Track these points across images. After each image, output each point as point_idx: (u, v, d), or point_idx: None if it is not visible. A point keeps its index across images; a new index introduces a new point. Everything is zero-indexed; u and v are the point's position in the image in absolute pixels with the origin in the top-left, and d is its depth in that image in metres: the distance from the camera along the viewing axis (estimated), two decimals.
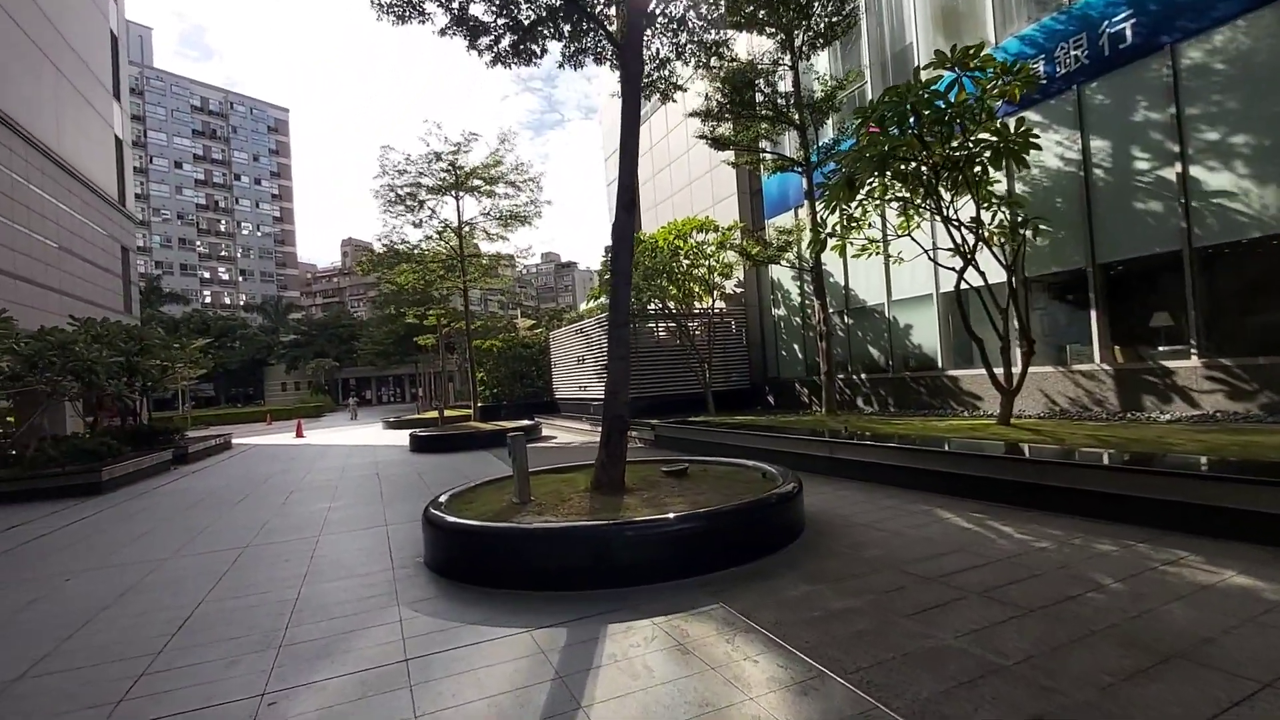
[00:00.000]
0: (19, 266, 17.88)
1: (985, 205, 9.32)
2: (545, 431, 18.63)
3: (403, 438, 20.01)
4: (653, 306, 16.41)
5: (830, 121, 12.86)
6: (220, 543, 7.07)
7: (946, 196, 9.08)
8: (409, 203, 18.24)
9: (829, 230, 9.95)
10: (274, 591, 5.04)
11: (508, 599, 4.43)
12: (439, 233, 18.92)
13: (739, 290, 18.53)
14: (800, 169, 12.35)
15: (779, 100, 11.99)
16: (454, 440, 16.37)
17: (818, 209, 10.59)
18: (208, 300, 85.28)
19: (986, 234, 9.04)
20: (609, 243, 24.48)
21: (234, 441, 23.96)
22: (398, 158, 17.66)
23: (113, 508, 10.34)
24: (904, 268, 13.12)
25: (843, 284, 14.79)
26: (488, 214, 19.08)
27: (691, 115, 13.81)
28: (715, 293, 17.65)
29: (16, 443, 13.96)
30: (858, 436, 8.54)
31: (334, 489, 10.78)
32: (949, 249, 10.00)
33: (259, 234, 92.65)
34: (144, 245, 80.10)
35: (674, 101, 10.33)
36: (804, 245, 13.43)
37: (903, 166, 8.55)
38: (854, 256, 10.71)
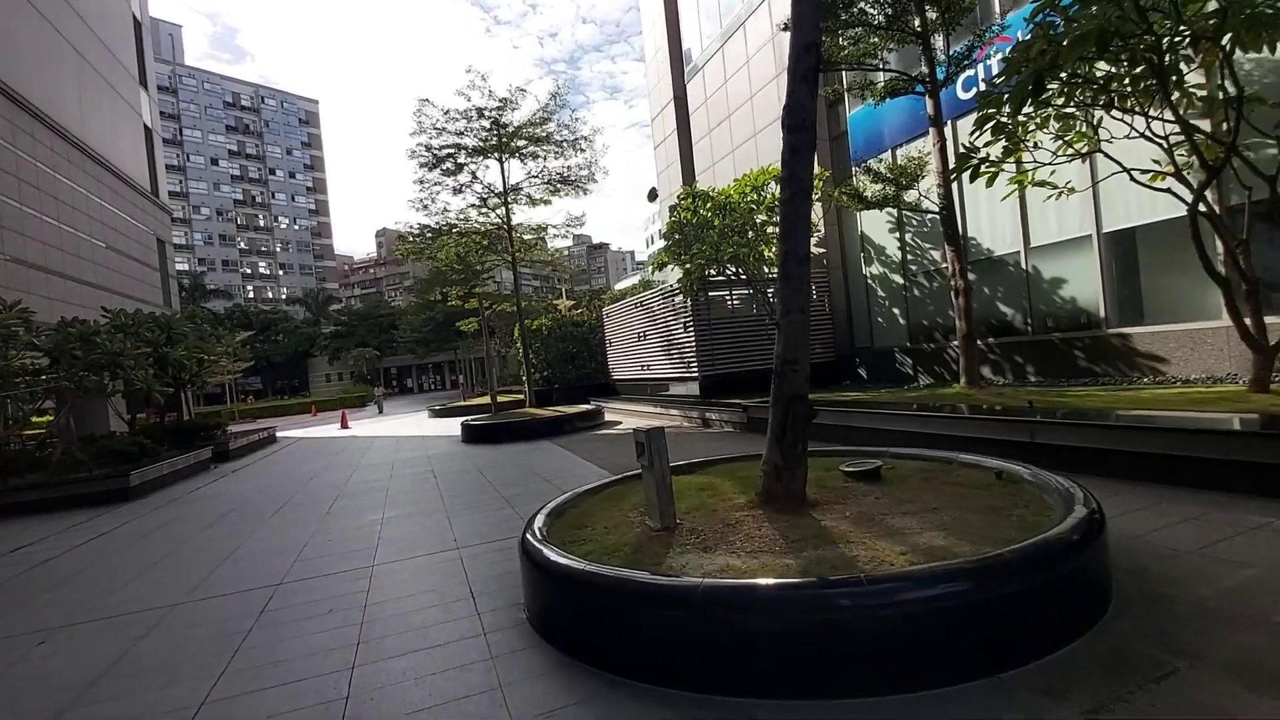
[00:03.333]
0: (50, 260, 16.80)
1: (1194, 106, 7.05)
2: (607, 417, 16.85)
3: (451, 427, 18.50)
4: (729, 272, 14.37)
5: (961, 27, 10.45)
6: (247, 577, 5.42)
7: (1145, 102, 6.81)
8: (448, 165, 16.48)
9: (981, 155, 7.75)
10: (311, 679, 3.30)
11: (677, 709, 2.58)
12: (482, 200, 17.13)
13: (819, 251, 16.35)
14: (923, 88, 10.10)
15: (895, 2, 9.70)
16: (510, 429, 14.72)
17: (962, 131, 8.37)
18: (250, 295, 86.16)
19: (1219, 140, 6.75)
20: (657, 197, 22.00)
21: (279, 435, 22.91)
22: (435, 114, 15.89)
23: (137, 520, 8.91)
24: (1047, 207, 10.78)
25: (960, 232, 12.50)
26: (535, 177, 17.18)
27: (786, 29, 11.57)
28: None
29: (41, 445, 12.80)
30: (1063, 414, 6.46)
31: (385, 492, 9.16)
32: (1145, 170, 7.74)
33: (296, 227, 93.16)
34: (185, 243, 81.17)
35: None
36: (925, 183, 11.17)
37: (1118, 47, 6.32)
38: (1011, 186, 8.49)
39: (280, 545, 6.52)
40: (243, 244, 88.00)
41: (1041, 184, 8.71)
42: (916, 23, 9.84)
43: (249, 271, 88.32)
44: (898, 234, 14.16)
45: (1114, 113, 7.67)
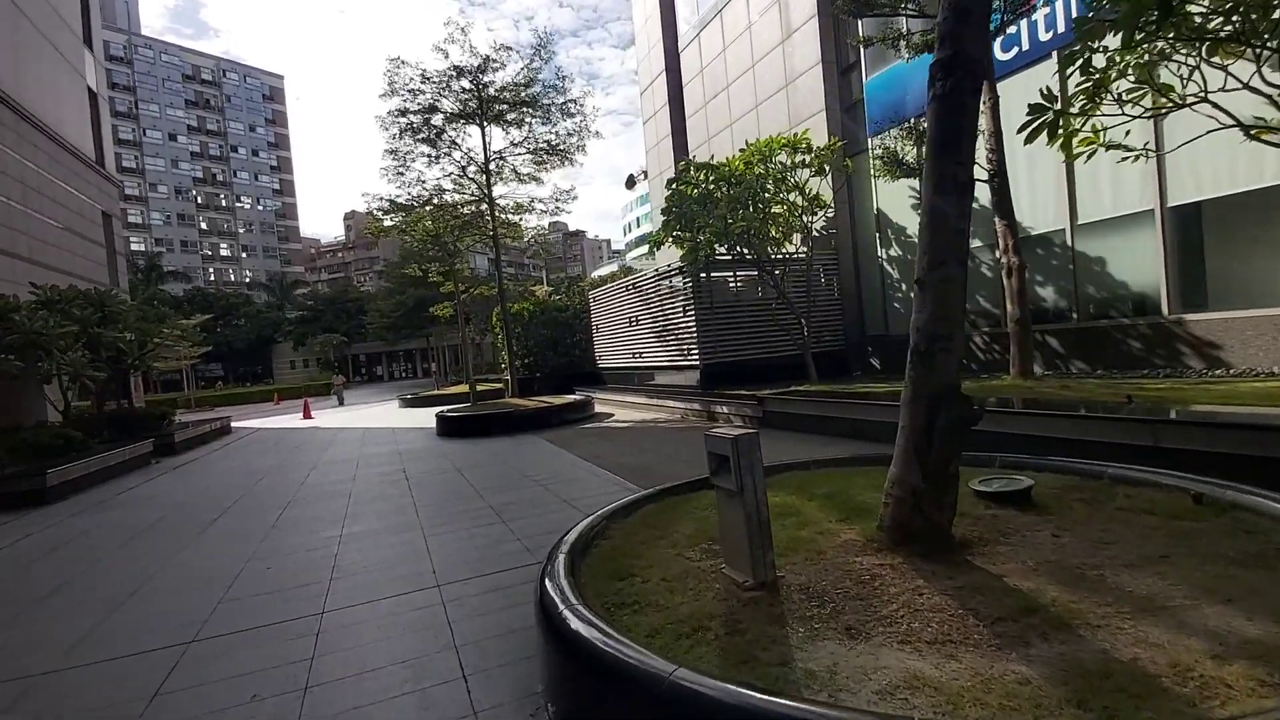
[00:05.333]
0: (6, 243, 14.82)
1: None
2: (598, 409, 15.50)
3: (424, 418, 16.95)
4: (736, 251, 13.05)
5: None
6: (151, 627, 3.98)
7: None
8: (424, 132, 14.84)
9: (1067, 106, 6.51)
10: None
11: None
12: (462, 169, 15.51)
13: (829, 232, 15.16)
14: None
15: None
16: (491, 421, 13.28)
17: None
18: (211, 278, 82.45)
19: None
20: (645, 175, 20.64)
21: (234, 425, 21.08)
22: (410, 74, 14.21)
23: (44, 530, 7.33)
24: (1098, 179, 9.71)
25: (991, 208, 11.38)
26: (519, 144, 15.59)
27: None
28: (797, 236, 14.27)
29: None
30: (1182, 414, 5.31)
31: (347, 498, 7.69)
32: (1252, 126, 6.60)
33: (260, 208, 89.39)
34: (141, 221, 77.29)
35: None
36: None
37: None
38: (1080, 149, 7.29)
39: (206, 573, 5.06)
40: (203, 224, 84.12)
41: (1115, 146, 7.53)
42: None
43: (210, 253, 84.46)
44: (918, 209, 12.98)
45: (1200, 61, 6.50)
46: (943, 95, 2.67)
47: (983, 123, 8.85)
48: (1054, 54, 10.07)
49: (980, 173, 9.30)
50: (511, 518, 5.96)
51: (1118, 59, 6.84)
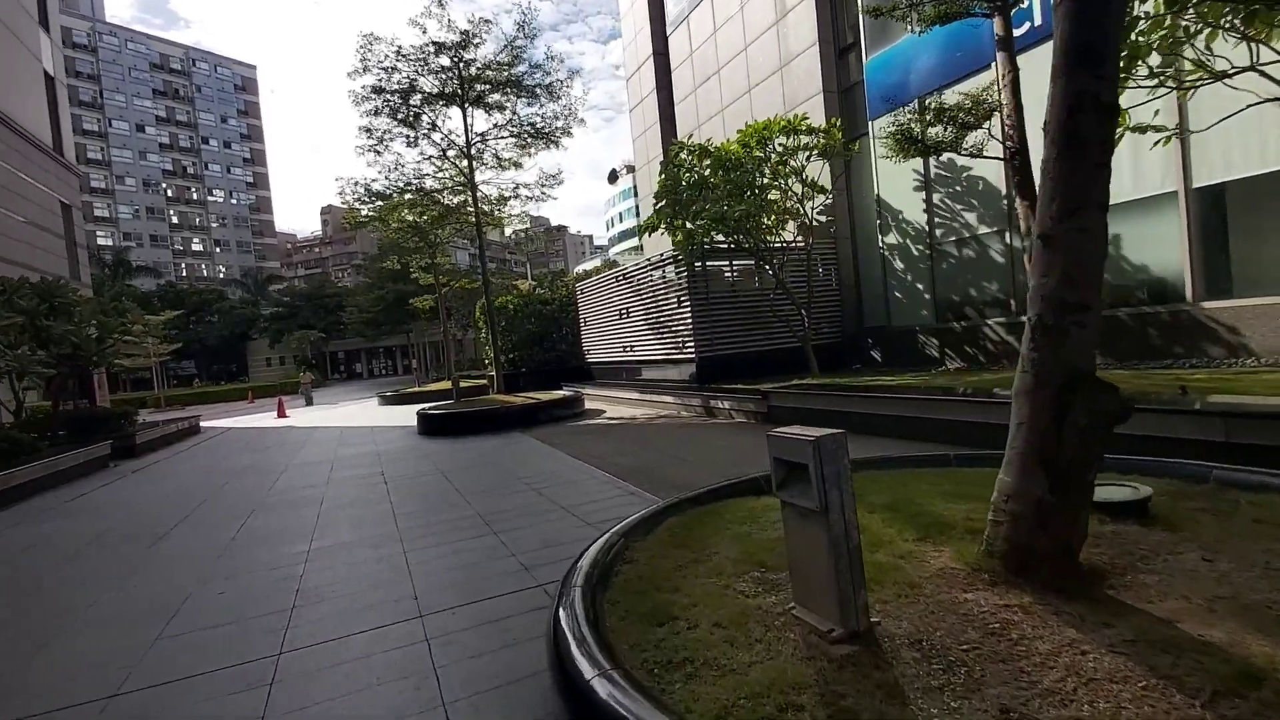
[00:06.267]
0: None
1: None
2: (588, 405, 14.81)
3: (405, 416, 16.15)
4: (734, 239, 12.42)
5: None
6: (68, 682, 3.25)
7: None
8: (401, 113, 13.96)
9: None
10: None
11: None
12: (442, 151, 14.65)
13: (826, 220, 14.59)
14: (989, 6, 8.30)
15: None
16: (476, 419, 12.54)
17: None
18: (183, 274, 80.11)
19: None
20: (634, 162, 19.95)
21: (204, 424, 20.05)
22: (385, 50, 13.33)
23: None
24: (1118, 160, 9.18)
25: (1003, 190, 10.89)
26: (501, 127, 14.76)
27: None
28: (793, 223, 13.69)
29: None
30: (1249, 407, 4.78)
31: (318, 504, 6.94)
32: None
33: (233, 202, 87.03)
34: (109, 215, 74.82)
35: None
36: (971, 138, 9.36)
37: None
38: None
39: (147, 602, 4.32)
40: (174, 218, 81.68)
41: (1144, 129, 6.99)
42: None
43: (181, 248, 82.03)
44: (923, 195, 12.47)
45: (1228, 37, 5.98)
46: (1072, 9, 2.04)
47: (1005, 98, 8.29)
48: None
49: (1000, 150, 8.77)
50: (504, 528, 5.28)
51: (1149, 32, 6.32)
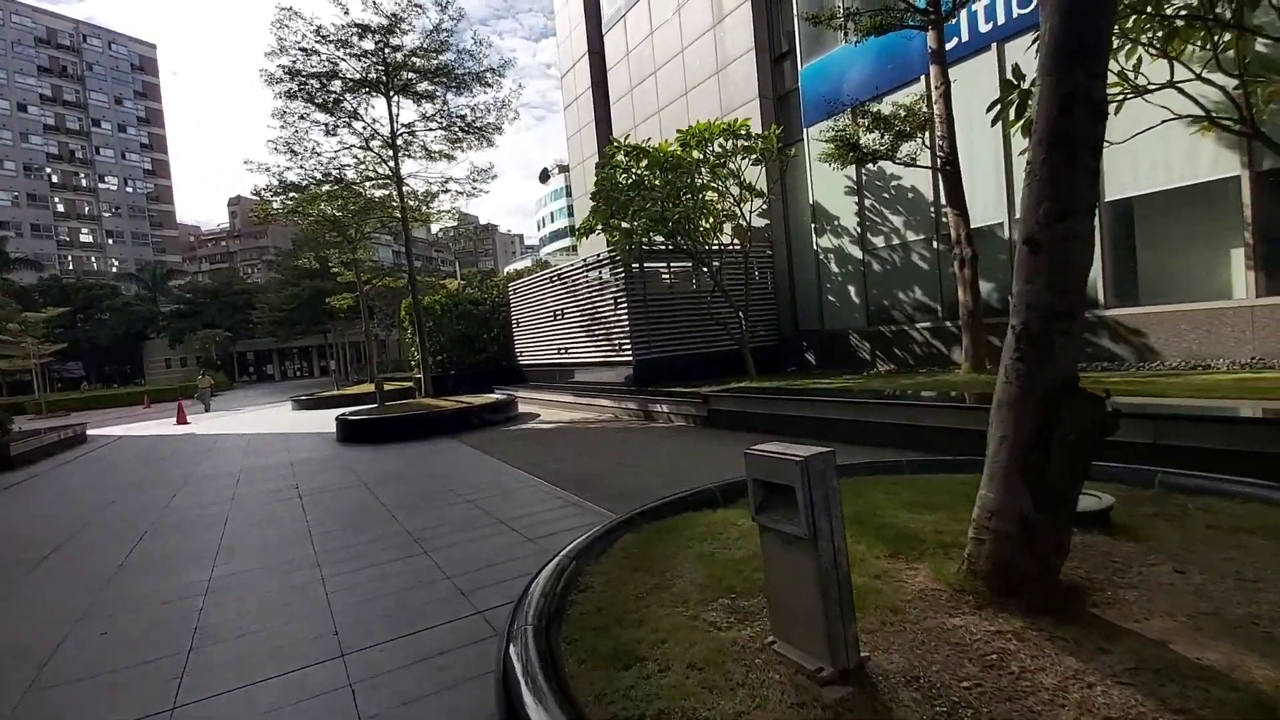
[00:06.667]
0: None
1: None
2: (522, 408, 14.34)
3: (322, 421, 15.17)
4: (672, 241, 12.29)
5: None
6: None
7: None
8: (320, 98, 13.04)
9: (1031, 85, 6.18)
10: None
11: None
12: (365, 142, 13.81)
13: (763, 224, 14.72)
14: (924, 19, 8.52)
15: None
16: (402, 424, 11.86)
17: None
18: (70, 267, 72.99)
19: None
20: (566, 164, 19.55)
21: (92, 433, 18.18)
22: (303, 28, 12.38)
23: None
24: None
25: (930, 198, 11.27)
26: (430, 118, 14.07)
27: None
28: (730, 226, 13.76)
29: None
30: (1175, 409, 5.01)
31: (222, 524, 6.25)
32: (1197, 118, 6.58)
33: (129, 190, 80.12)
34: None
35: None
36: (905, 148, 9.59)
37: None
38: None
39: (12, 646, 3.67)
40: (59, 205, 74.44)
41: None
42: None
43: (67, 238, 74.78)
44: (856, 200, 12.76)
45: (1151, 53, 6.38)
46: None
47: (937, 109, 8.53)
48: (993, 46, 9.99)
49: (932, 160, 9.03)
50: (436, 546, 4.87)
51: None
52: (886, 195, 12.11)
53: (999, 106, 6.54)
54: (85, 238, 76.37)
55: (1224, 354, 8.11)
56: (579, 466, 7.58)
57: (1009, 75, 6.42)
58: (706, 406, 9.54)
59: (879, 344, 12.48)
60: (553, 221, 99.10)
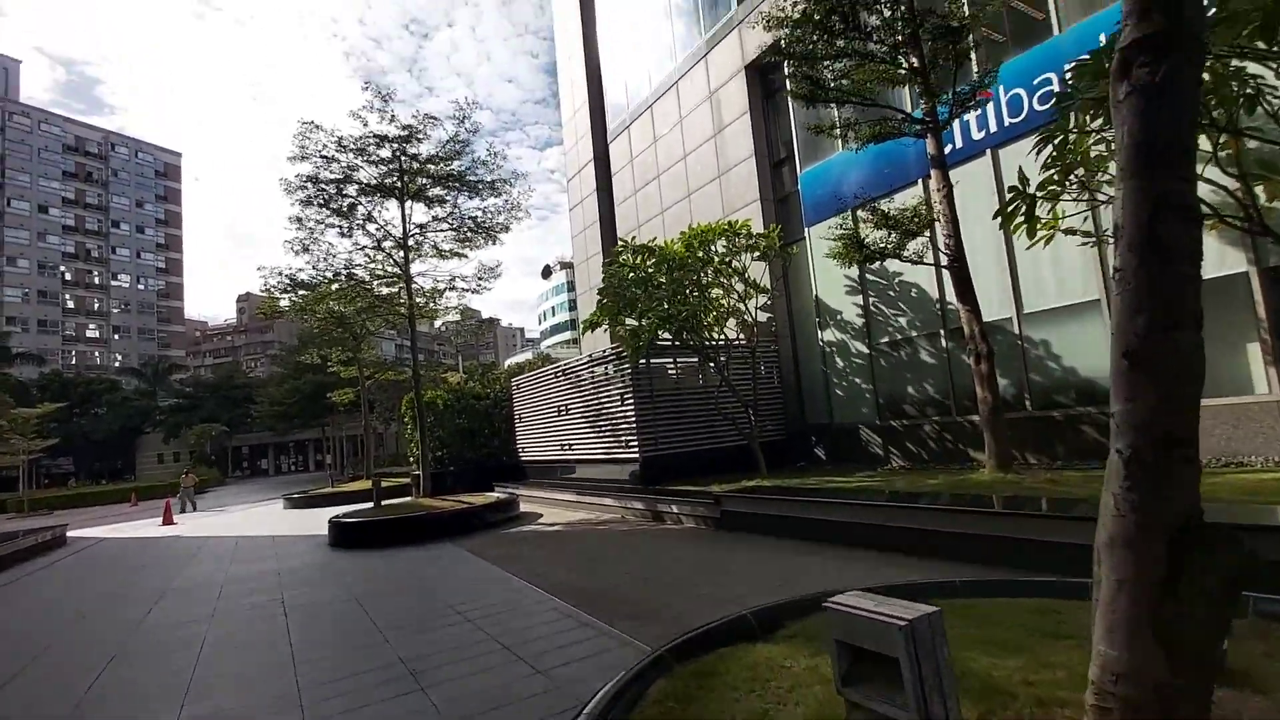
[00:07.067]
0: None
1: None
2: (523, 507, 13.77)
3: (315, 522, 14.52)
4: (678, 337, 12.27)
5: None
6: None
7: None
8: (336, 203, 13.44)
9: (1037, 189, 6.28)
10: None
11: None
12: (377, 243, 14.10)
13: (767, 319, 14.80)
14: (921, 127, 8.87)
15: (896, 25, 8.43)
16: (399, 528, 11.30)
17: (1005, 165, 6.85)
18: (72, 361, 73.42)
19: None
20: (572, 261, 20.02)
21: (72, 534, 17.38)
22: (324, 139, 12.95)
23: None
24: (1041, 267, 9.79)
25: (935, 295, 11.32)
26: (441, 220, 14.46)
27: (770, 52, 9.88)
28: (734, 320, 13.82)
29: None
30: None
31: (197, 649, 5.68)
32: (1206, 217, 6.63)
33: (140, 287, 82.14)
34: None
35: None
36: (913, 245, 9.71)
37: None
38: (1044, 232, 7.12)
39: None
40: (69, 302, 75.98)
41: (1074, 232, 7.42)
42: (913, 59, 8.65)
43: (73, 334, 75.77)
44: (859, 298, 12.85)
45: None
46: (1151, 87, 1.83)
47: (942, 209, 8.71)
48: (987, 151, 10.38)
49: (937, 257, 9.10)
50: (435, 680, 4.35)
51: (1079, 143, 6.77)
52: (891, 292, 12.21)
53: (1005, 210, 6.61)
54: (91, 333, 77.47)
55: (1254, 450, 7.83)
56: (588, 578, 7.06)
57: (1015, 180, 6.53)
58: (718, 508, 9.10)
59: (891, 439, 12.17)
60: (554, 315, 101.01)
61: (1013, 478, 7.81)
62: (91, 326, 77.07)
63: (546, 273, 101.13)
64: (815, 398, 14.23)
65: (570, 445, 15.39)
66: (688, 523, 9.85)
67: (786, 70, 9.98)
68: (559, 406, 15.81)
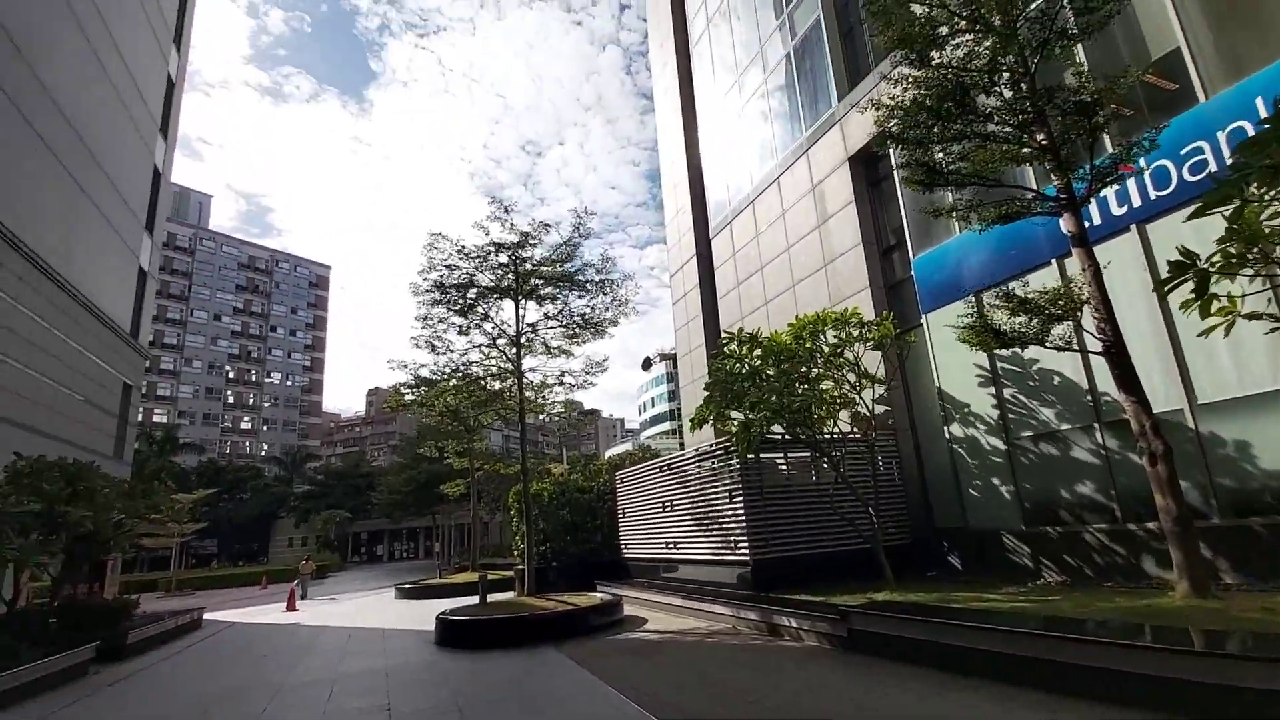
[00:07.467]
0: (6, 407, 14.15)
1: None
2: (626, 609, 13.14)
3: (422, 615, 14.57)
4: (789, 431, 11.70)
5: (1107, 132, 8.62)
6: None
7: None
8: (457, 304, 14.46)
9: (1208, 261, 5.49)
10: None
11: None
12: (492, 340, 14.89)
13: (883, 411, 13.88)
14: (1055, 205, 8.25)
15: (1021, 104, 8.08)
16: (502, 629, 11.05)
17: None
18: (227, 450, 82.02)
19: None
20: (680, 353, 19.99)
21: (208, 617, 18.53)
22: (449, 249, 14.16)
23: None
24: (1214, 352, 8.52)
25: (1084, 384, 10.13)
26: (552, 317, 15.12)
27: (875, 142, 9.74)
28: (845, 413, 13.00)
29: None
30: None
31: None
32: None
33: (289, 383, 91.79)
34: (169, 394, 78.78)
35: None
36: (1058, 329, 8.82)
37: None
38: (1225, 319, 6.16)
39: None
40: (230, 397, 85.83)
41: (1257, 316, 6.37)
42: (1040, 138, 8.20)
43: (230, 425, 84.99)
44: (991, 389, 11.77)
45: None
46: None
47: (1090, 290, 7.89)
48: (1132, 227, 9.49)
49: (1093, 343, 8.16)
50: None
51: (1258, 212, 5.95)
52: (1031, 381, 11.09)
53: (1167, 285, 5.82)
54: (244, 425, 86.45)
55: None
56: (710, 706, 6.38)
57: (1172, 256, 5.80)
58: (845, 625, 8.13)
59: (1042, 547, 10.64)
60: (653, 406, 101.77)
61: (1215, 604, 6.43)
62: (245, 419, 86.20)
63: (647, 364, 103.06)
64: (944, 498, 12.90)
65: (675, 544, 14.75)
66: (808, 639, 8.88)
67: (896, 159, 9.78)
68: (664, 502, 15.35)
